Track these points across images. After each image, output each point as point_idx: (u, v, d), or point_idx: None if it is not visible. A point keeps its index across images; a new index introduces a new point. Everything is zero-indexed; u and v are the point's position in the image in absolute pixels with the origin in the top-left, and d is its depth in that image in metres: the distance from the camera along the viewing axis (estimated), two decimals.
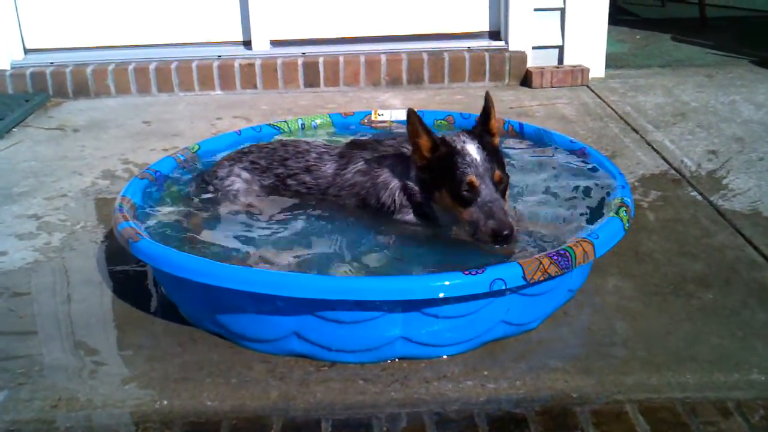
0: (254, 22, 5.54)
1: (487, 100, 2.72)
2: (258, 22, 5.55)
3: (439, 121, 3.60)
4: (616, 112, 4.75)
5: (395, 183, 2.68)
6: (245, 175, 2.89)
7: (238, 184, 2.87)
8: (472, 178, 2.49)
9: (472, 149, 2.56)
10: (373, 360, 2.27)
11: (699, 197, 3.40)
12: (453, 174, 2.51)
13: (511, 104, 5.02)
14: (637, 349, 2.31)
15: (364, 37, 5.62)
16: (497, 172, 2.55)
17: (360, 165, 2.75)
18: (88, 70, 5.39)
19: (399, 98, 5.26)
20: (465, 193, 2.49)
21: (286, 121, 3.61)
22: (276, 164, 2.86)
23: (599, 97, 5.12)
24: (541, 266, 2.17)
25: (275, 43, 5.65)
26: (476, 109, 4.89)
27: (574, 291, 2.56)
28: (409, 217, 2.69)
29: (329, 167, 2.80)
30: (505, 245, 2.44)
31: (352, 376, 2.24)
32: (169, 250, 2.30)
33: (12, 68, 5.48)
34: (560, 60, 5.63)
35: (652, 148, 4.07)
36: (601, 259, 2.81)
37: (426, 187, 2.63)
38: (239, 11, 5.60)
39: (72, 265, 2.96)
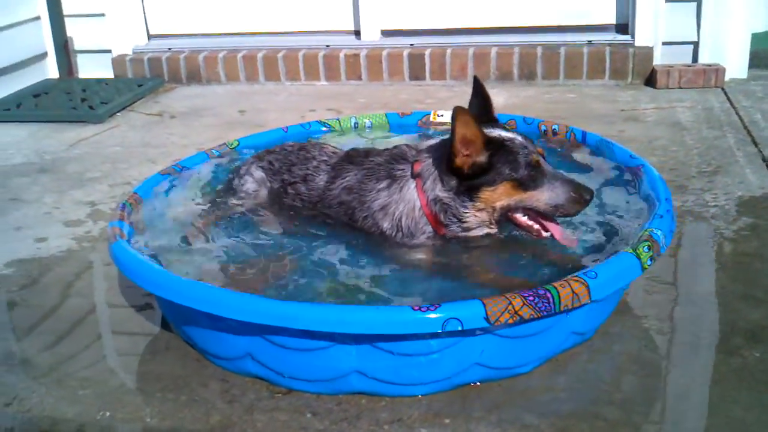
0: (363, 11, 5.40)
1: (479, 86, 2.52)
2: (367, 10, 5.40)
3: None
4: (741, 120, 4.16)
5: (406, 204, 2.41)
6: (258, 174, 2.75)
7: (248, 184, 2.74)
8: (534, 157, 2.30)
9: (509, 133, 2.37)
10: (331, 392, 2.06)
11: None
12: (515, 161, 2.29)
13: (624, 107, 4.54)
14: (633, 413, 1.94)
15: (474, 28, 5.33)
16: (539, 148, 2.38)
17: (347, 181, 2.52)
18: (200, 56, 5.50)
19: (505, 94, 4.93)
20: (532, 174, 2.29)
21: (338, 119, 3.43)
22: (284, 168, 2.70)
23: (729, 102, 4.52)
24: (511, 307, 1.86)
25: (385, 33, 5.48)
26: (585, 111, 4.53)
27: (585, 333, 2.21)
28: (425, 240, 2.42)
29: (321, 179, 2.60)
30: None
31: (302, 407, 2.04)
32: (132, 256, 2.21)
33: (133, 53, 5.70)
34: (694, 58, 5.03)
35: (766, 165, 3.51)
36: (644, 295, 2.47)
37: (473, 193, 2.34)
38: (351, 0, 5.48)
39: (96, 257, 2.97)
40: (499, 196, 2.30)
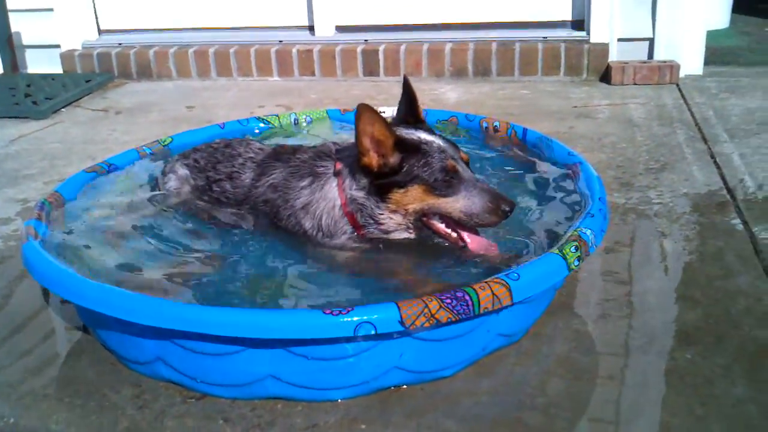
0: (317, 7, 5.31)
1: (407, 86, 2.42)
2: (321, 6, 5.31)
3: (441, 122, 3.21)
4: (693, 117, 4.13)
5: (326, 203, 2.33)
6: (182, 172, 2.65)
7: (171, 182, 2.64)
8: (451, 162, 2.20)
9: (429, 136, 2.28)
10: (246, 396, 1.98)
11: (740, 226, 2.82)
12: (428, 165, 2.20)
13: (576, 103, 4.49)
14: (557, 419, 1.88)
15: (429, 24, 5.26)
16: (463, 154, 2.29)
17: (272, 178, 2.43)
18: (151, 52, 5.38)
19: (459, 90, 4.87)
20: (446, 179, 2.19)
21: (277, 116, 3.34)
22: (210, 166, 2.60)
23: (683, 98, 4.49)
24: (427, 310, 1.78)
25: (340, 29, 5.39)
26: (538, 107, 4.47)
27: (513, 335, 2.14)
28: (345, 240, 2.35)
29: (247, 177, 2.50)
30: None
31: (215, 413, 1.96)
32: (41, 258, 2.11)
33: (83, 48, 5.57)
34: (650, 54, 5.00)
35: (714, 162, 3.46)
36: (579, 295, 2.41)
37: (383, 194, 2.26)
38: None
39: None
40: (411, 199, 2.21)
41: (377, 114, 2.17)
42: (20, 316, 2.48)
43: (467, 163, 2.28)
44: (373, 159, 2.20)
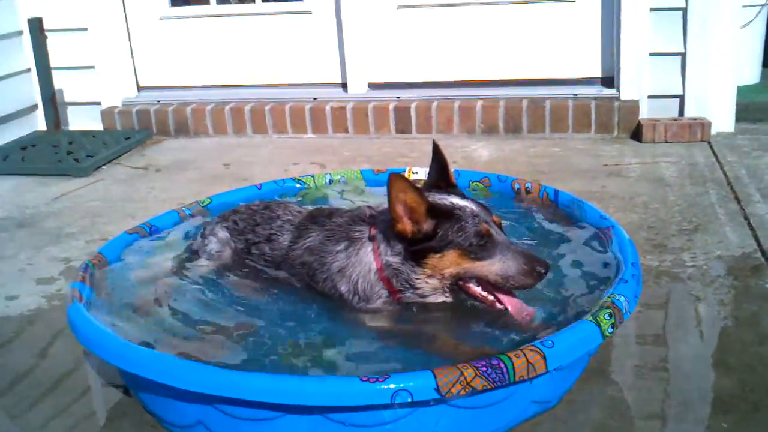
0: (350, 64, 5.43)
1: (437, 151, 2.48)
2: (354, 63, 5.43)
3: (474, 183, 3.26)
4: (726, 176, 4.13)
5: (362, 267, 2.37)
6: (222, 234, 2.72)
7: (212, 245, 2.70)
8: (485, 226, 2.25)
9: (462, 201, 2.33)
10: None
11: None
12: (462, 230, 2.24)
13: (607, 161, 4.52)
14: None
15: (460, 81, 5.34)
16: (495, 217, 2.33)
17: (309, 241, 2.49)
18: (188, 109, 5.52)
19: (490, 148, 4.92)
20: (481, 243, 2.24)
21: (312, 176, 3.41)
22: (248, 228, 2.67)
23: (715, 156, 4.49)
24: (463, 377, 1.81)
25: (372, 86, 5.50)
26: (569, 165, 4.51)
27: (548, 402, 2.15)
28: (381, 305, 2.38)
29: (285, 239, 2.56)
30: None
31: None
32: (85, 321, 2.17)
33: (122, 105, 5.73)
34: (681, 111, 5.02)
35: (747, 223, 3.46)
36: (613, 360, 2.43)
37: (419, 259, 2.31)
38: (337, 53, 5.51)
39: (64, 317, 2.92)
40: (447, 264, 2.25)
41: (409, 182, 2.22)
42: (59, 373, 2.54)
43: (500, 226, 2.32)
44: (407, 225, 2.24)
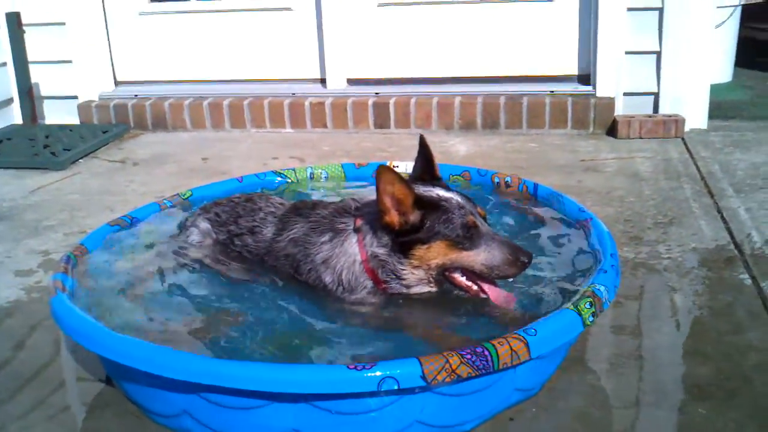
0: (329, 60, 5.44)
1: (423, 145, 2.53)
2: (333, 59, 5.44)
3: (454, 177, 3.29)
4: (699, 171, 4.21)
5: (347, 258, 2.39)
6: (204, 226, 2.73)
7: (193, 236, 2.71)
8: (471, 217, 2.29)
9: (447, 193, 2.37)
10: None
11: (748, 281, 2.88)
12: (449, 221, 2.28)
13: (584, 156, 4.58)
14: None
15: (438, 78, 5.38)
16: (479, 209, 2.38)
17: (293, 233, 2.51)
18: (166, 103, 5.50)
19: (468, 143, 4.97)
20: (468, 235, 2.28)
21: (294, 170, 3.43)
22: (231, 220, 2.68)
23: (689, 152, 4.57)
24: (448, 365, 1.84)
25: (351, 81, 5.52)
26: (546, 160, 4.56)
27: (530, 389, 2.19)
28: (365, 295, 2.41)
29: (269, 231, 2.58)
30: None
31: None
32: (69, 311, 2.17)
33: (99, 99, 5.69)
34: (655, 108, 5.10)
35: (721, 216, 3.53)
36: (591, 349, 2.47)
37: (406, 251, 2.34)
38: (317, 49, 5.52)
39: (43, 309, 2.90)
40: (434, 254, 2.29)
41: (397, 174, 2.25)
42: (38, 364, 2.53)
43: (484, 218, 2.36)
44: (394, 217, 2.27)
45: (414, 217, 2.27)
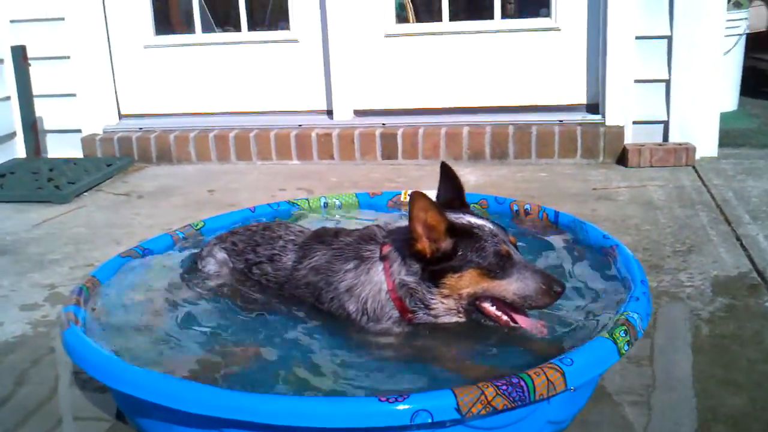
0: (336, 91, 5.42)
1: (447, 171, 2.48)
2: (340, 91, 5.42)
3: (472, 205, 3.22)
4: (713, 199, 4.16)
5: (372, 286, 2.32)
6: (221, 255, 2.66)
7: (210, 266, 2.65)
8: (504, 246, 2.22)
9: (479, 220, 2.31)
10: None
11: None
12: (482, 249, 2.21)
13: (596, 185, 4.54)
14: None
15: (446, 108, 5.36)
16: (511, 237, 2.32)
17: (315, 261, 2.44)
18: (171, 136, 5.46)
19: (477, 173, 4.92)
20: (500, 263, 2.21)
21: (307, 199, 3.38)
22: (249, 248, 2.62)
23: (701, 180, 4.53)
24: (483, 397, 1.76)
25: (358, 113, 5.49)
26: (557, 189, 4.52)
27: (562, 422, 2.10)
28: (390, 325, 2.32)
29: (289, 259, 2.51)
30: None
31: None
32: (83, 343, 2.10)
33: (104, 133, 5.66)
34: (665, 137, 5.08)
35: (740, 243, 3.47)
36: (621, 380, 2.39)
37: (437, 279, 2.26)
38: (323, 81, 5.50)
39: (51, 343, 2.83)
40: (466, 283, 2.22)
41: (430, 200, 2.19)
42: (43, 398, 2.45)
43: (515, 246, 2.30)
44: (425, 245, 2.21)
45: (446, 244, 2.20)
